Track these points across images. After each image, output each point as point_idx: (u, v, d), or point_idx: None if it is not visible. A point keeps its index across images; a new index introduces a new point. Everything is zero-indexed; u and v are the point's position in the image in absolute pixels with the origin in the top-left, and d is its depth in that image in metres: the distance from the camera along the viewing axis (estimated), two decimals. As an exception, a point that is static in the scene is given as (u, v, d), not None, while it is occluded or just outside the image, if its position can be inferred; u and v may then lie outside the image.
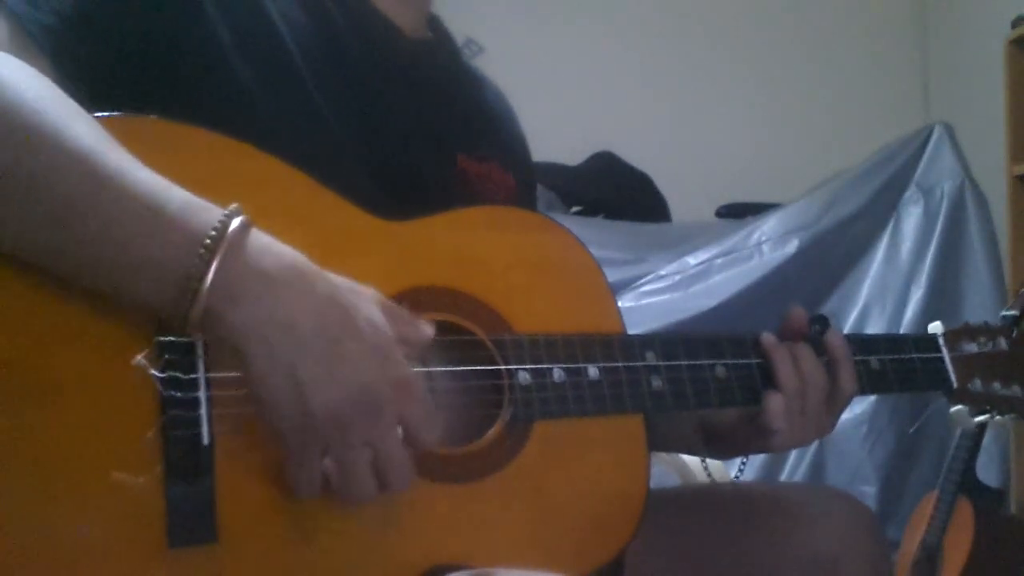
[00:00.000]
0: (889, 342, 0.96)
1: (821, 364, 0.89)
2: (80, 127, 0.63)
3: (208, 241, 0.61)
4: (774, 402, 0.86)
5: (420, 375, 0.69)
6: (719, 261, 2.46)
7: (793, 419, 0.87)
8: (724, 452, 1.01)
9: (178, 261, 0.61)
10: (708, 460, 1.43)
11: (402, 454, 0.67)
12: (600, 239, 2.35)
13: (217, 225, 0.62)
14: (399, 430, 0.67)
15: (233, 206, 0.63)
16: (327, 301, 0.65)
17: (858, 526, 0.95)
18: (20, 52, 0.68)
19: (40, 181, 0.60)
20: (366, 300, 0.68)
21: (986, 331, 1.01)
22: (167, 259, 0.61)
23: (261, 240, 0.64)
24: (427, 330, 0.72)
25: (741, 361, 0.88)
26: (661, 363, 0.84)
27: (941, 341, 0.99)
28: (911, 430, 2.33)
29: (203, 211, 0.63)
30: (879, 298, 2.45)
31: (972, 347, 0.99)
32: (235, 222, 0.62)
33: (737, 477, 1.31)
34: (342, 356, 0.64)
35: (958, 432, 2.10)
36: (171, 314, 0.62)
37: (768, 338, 0.89)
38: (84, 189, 0.60)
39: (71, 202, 0.60)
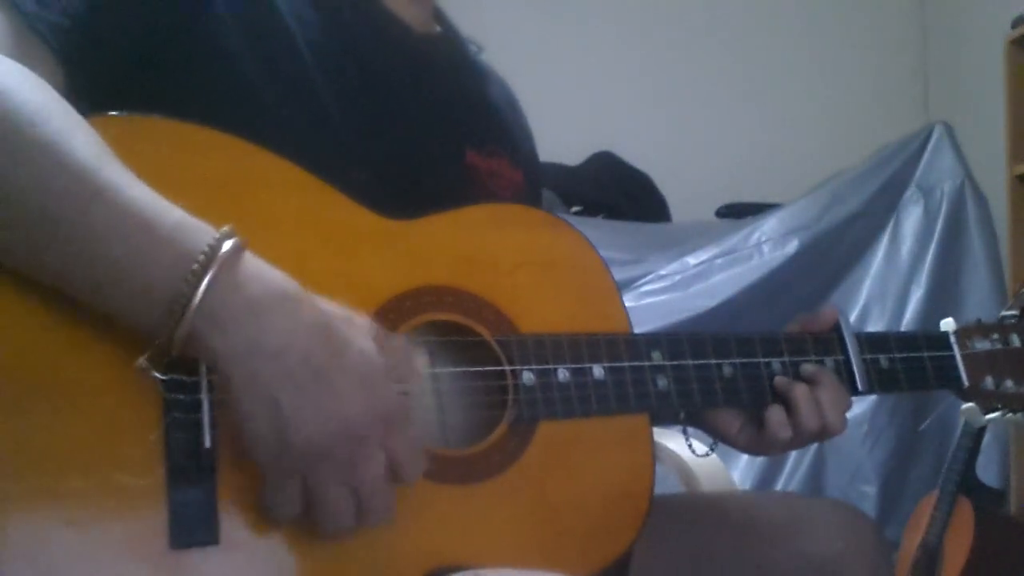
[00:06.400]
0: (899, 340, 0.95)
1: (839, 387, 0.89)
2: (78, 141, 0.61)
3: (198, 263, 0.59)
4: (776, 414, 0.87)
5: (409, 410, 0.67)
6: (719, 261, 2.45)
7: (800, 432, 0.87)
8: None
9: (166, 281, 0.59)
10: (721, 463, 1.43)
11: (383, 489, 0.65)
12: (600, 239, 2.31)
13: (207, 247, 0.60)
14: (383, 464, 0.65)
15: (225, 228, 0.62)
16: (315, 330, 0.62)
17: (860, 535, 0.94)
18: (27, 53, 0.68)
19: (30, 193, 0.59)
20: (359, 330, 0.65)
21: (999, 328, 1.00)
22: (155, 279, 0.59)
23: (253, 264, 0.62)
24: (419, 367, 0.70)
25: (749, 360, 0.88)
26: (667, 363, 0.84)
27: (952, 339, 0.98)
28: (920, 427, 2.32)
29: (196, 231, 0.61)
30: (879, 298, 2.45)
31: (984, 344, 0.98)
32: (227, 244, 0.60)
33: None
34: (327, 388, 0.62)
35: (959, 431, 2.11)
36: (156, 335, 0.60)
37: (781, 381, 0.88)
38: (74, 204, 0.59)
39: (60, 216, 0.59)
